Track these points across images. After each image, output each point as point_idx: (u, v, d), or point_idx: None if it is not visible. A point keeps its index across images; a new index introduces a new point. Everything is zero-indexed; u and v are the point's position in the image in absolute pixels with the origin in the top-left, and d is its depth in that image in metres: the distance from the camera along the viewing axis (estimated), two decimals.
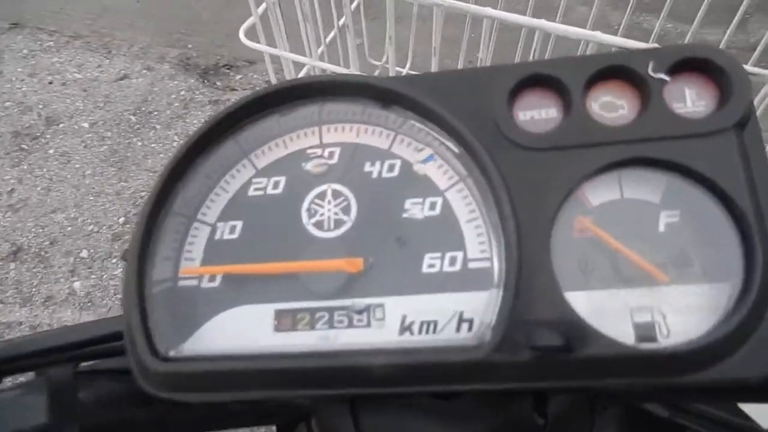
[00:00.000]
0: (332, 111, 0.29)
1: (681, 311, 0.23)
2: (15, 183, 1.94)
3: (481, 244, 0.25)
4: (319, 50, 0.86)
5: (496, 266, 0.25)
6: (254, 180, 0.28)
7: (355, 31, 0.89)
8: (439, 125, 0.26)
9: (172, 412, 0.32)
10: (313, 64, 0.76)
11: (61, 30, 2.41)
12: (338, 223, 0.27)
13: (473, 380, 0.22)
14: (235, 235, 0.27)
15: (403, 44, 1.02)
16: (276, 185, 0.28)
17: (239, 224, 0.28)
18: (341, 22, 0.92)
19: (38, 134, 2.06)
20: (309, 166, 0.28)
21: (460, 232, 0.26)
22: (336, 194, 0.27)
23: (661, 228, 0.24)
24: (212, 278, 0.27)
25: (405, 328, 0.25)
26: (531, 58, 0.76)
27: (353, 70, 0.74)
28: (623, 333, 0.22)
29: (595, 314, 0.23)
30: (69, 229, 1.82)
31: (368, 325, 0.25)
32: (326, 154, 0.28)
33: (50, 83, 2.22)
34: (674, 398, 0.29)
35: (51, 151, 2.01)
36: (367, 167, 0.28)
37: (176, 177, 0.27)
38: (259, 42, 0.73)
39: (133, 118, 2.10)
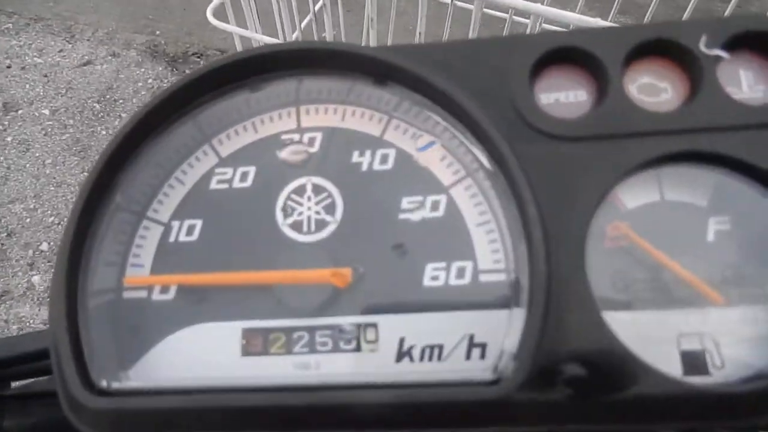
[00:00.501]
0: (313, 89, 0.24)
1: (737, 338, 0.19)
2: None
3: (494, 252, 0.21)
4: (294, 35, 0.80)
5: (515, 280, 0.20)
6: (217, 170, 0.23)
7: (330, 21, 0.83)
8: (444, 107, 0.22)
9: None
10: None
11: (21, 12, 2.29)
12: (320, 225, 0.22)
13: (489, 423, 0.18)
14: (193, 237, 0.22)
15: (383, 35, 0.97)
16: (244, 177, 0.23)
17: (198, 224, 0.23)
18: (317, 6, 0.87)
19: None
20: (284, 154, 0.23)
21: (469, 238, 0.21)
22: (317, 189, 0.23)
23: (710, 237, 0.20)
24: (165, 290, 0.22)
25: (403, 353, 0.20)
26: None
27: None
28: (667, 364, 0.18)
29: (638, 342, 0.18)
30: (28, 220, 1.72)
31: (358, 349, 0.20)
32: (305, 140, 0.24)
33: (8, 67, 2.10)
34: None
35: (9, 139, 1.90)
36: (355, 158, 0.23)
37: (119, 163, 0.22)
38: (228, 23, 0.67)
39: (97, 105, 2.00)
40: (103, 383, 0.19)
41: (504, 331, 0.19)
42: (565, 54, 0.21)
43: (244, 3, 0.65)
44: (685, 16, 0.77)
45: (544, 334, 0.18)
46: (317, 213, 0.22)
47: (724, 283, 0.19)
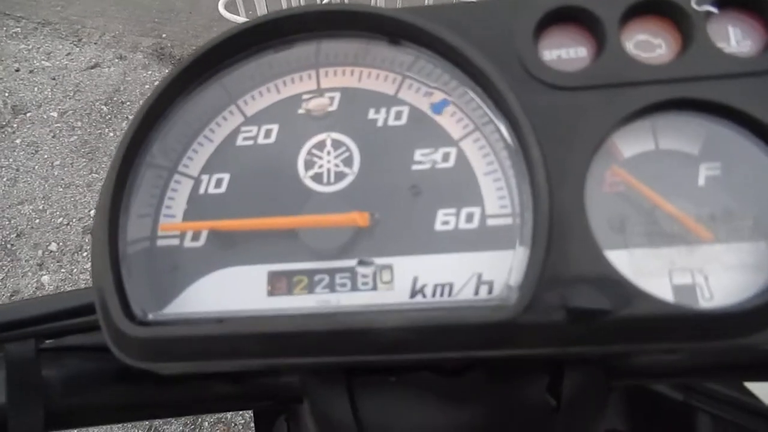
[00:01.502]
0: (331, 52, 0.26)
1: (725, 272, 0.20)
2: None
3: (500, 199, 0.22)
4: None
5: (520, 223, 0.22)
6: (243, 128, 0.25)
7: None
8: (455, 63, 0.23)
9: (149, 393, 0.28)
10: None
11: (29, 16, 2.32)
12: (339, 176, 0.24)
13: (498, 345, 0.20)
14: (221, 189, 0.24)
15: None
16: (268, 134, 0.25)
17: (226, 177, 0.24)
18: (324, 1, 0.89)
19: (4, 123, 1.98)
20: (305, 113, 0.25)
21: (477, 186, 0.23)
22: (336, 144, 0.24)
23: (701, 181, 0.22)
24: (196, 236, 0.24)
25: (417, 291, 0.22)
26: None
27: None
28: (662, 294, 0.20)
29: (634, 274, 0.20)
30: (37, 221, 1.75)
31: (374, 288, 0.22)
32: (325, 99, 0.25)
33: (17, 71, 2.13)
34: (714, 375, 0.27)
35: (18, 141, 1.93)
36: (371, 114, 0.25)
37: (152, 123, 0.24)
38: (238, 15, 0.69)
39: (104, 108, 2.03)
40: (144, 315, 0.21)
41: (509, 269, 0.21)
42: (567, 13, 0.23)
43: None
44: None
45: (546, 265, 0.19)
46: (336, 165, 0.24)
47: (713, 221, 0.21)
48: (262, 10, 0.70)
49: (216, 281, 0.23)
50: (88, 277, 1.64)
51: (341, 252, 0.23)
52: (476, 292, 0.21)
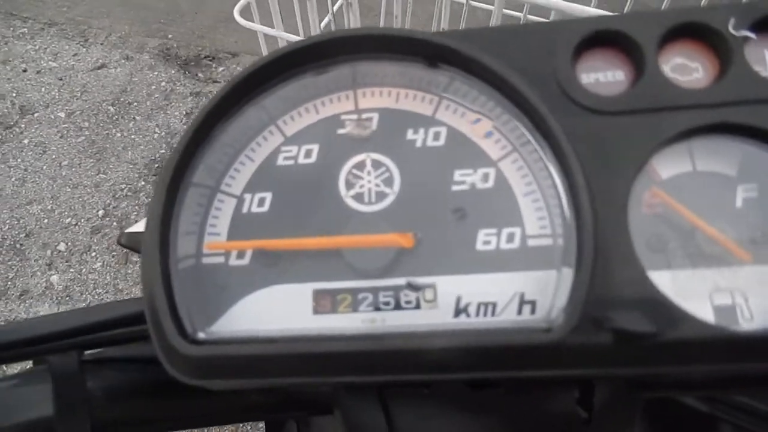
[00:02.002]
0: (368, 73, 0.26)
1: (765, 292, 0.21)
2: None
3: (540, 219, 0.23)
4: (314, 33, 0.83)
5: (560, 244, 0.22)
6: (283, 148, 0.26)
7: (339, 21, 0.86)
8: (494, 86, 0.24)
9: (189, 404, 0.29)
10: None
11: (36, 17, 2.33)
12: (380, 196, 0.24)
13: (543, 366, 0.20)
14: (264, 208, 0.25)
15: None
16: (308, 154, 0.25)
17: (268, 196, 0.25)
18: (335, 7, 0.89)
19: (12, 123, 1.98)
20: (344, 133, 0.26)
21: (517, 206, 0.23)
22: (376, 164, 0.25)
23: (739, 203, 0.22)
24: (241, 255, 0.24)
25: (460, 310, 0.22)
26: None
27: None
28: (703, 315, 0.20)
29: (676, 294, 0.20)
30: (46, 221, 1.76)
31: (418, 306, 0.23)
32: (364, 119, 0.26)
33: (24, 71, 2.14)
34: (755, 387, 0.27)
35: (26, 141, 1.94)
36: (410, 135, 0.25)
37: (196, 144, 0.24)
38: (253, 22, 0.70)
39: (111, 108, 2.04)
40: (195, 334, 0.22)
41: (553, 289, 0.22)
42: (605, 37, 0.23)
43: (272, 3, 0.67)
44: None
45: (592, 288, 0.20)
46: (377, 185, 0.24)
47: (752, 243, 0.21)
48: (277, 18, 0.71)
49: (262, 299, 0.23)
50: (97, 277, 1.65)
51: (385, 271, 0.23)
52: (519, 312, 0.22)
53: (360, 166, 0.25)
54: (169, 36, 2.27)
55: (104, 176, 1.86)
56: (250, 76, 0.25)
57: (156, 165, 1.89)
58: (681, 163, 0.23)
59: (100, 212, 1.79)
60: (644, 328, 0.19)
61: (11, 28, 2.28)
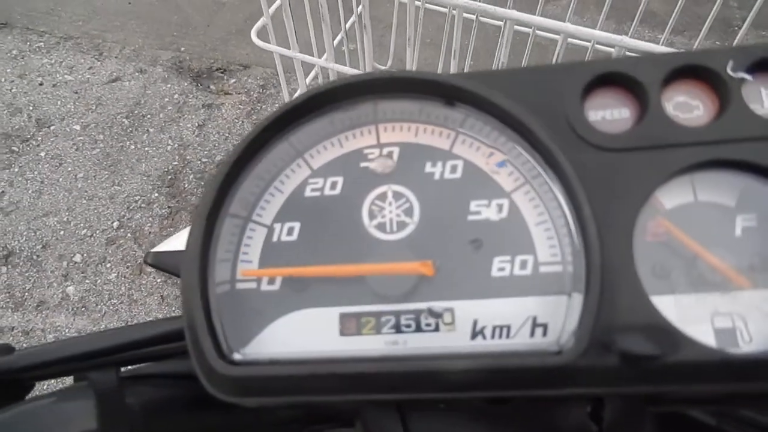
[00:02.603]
0: (388, 109, 0.28)
1: (763, 316, 0.22)
2: (5, 186, 1.90)
3: (551, 247, 0.25)
4: (324, 55, 0.85)
5: (570, 270, 0.24)
6: (310, 180, 0.28)
7: (351, 36, 0.88)
8: (507, 123, 0.26)
9: (221, 418, 0.31)
10: (329, 66, 0.75)
11: (52, 31, 2.38)
12: (401, 226, 0.26)
13: (556, 385, 0.22)
14: (293, 237, 0.27)
15: (401, 49, 1.01)
16: (333, 186, 0.27)
17: (297, 225, 0.27)
18: (347, 24, 0.91)
19: (29, 136, 2.03)
20: (367, 166, 0.28)
21: (529, 235, 0.25)
22: (397, 195, 0.27)
23: (738, 232, 0.24)
24: (272, 281, 0.26)
25: (477, 332, 0.24)
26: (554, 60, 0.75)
27: (368, 70, 0.74)
28: (703, 339, 0.22)
29: (678, 318, 0.22)
30: (62, 233, 1.79)
31: (437, 329, 0.24)
32: (384, 153, 0.28)
33: (40, 85, 2.18)
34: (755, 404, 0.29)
35: (42, 154, 1.98)
36: (428, 168, 0.27)
37: (232, 178, 0.26)
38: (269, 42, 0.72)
39: (125, 121, 2.07)
40: (231, 355, 0.24)
41: (563, 313, 0.23)
42: (611, 78, 0.25)
43: (287, 25, 0.69)
44: (706, 25, 0.80)
45: (599, 313, 0.22)
46: (398, 215, 0.26)
47: (751, 270, 0.23)
48: (292, 39, 0.73)
49: (292, 321, 0.25)
50: (112, 288, 1.67)
51: (406, 296, 0.25)
52: (532, 334, 0.23)
53: (382, 197, 0.27)
54: (182, 49, 2.31)
55: (119, 188, 1.90)
56: (280, 117, 0.27)
57: (169, 177, 1.92)
58: (683, 194, 0.24)
59: (115, 224, 1.82)
60: (648, 351, 0.20)
61: (28, 42, 2.33)
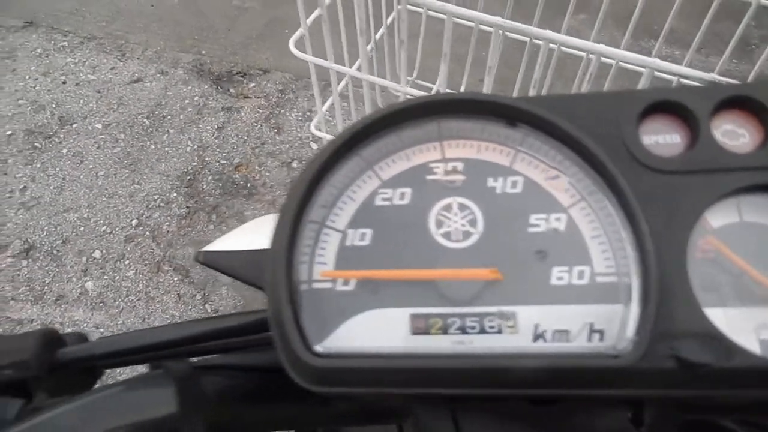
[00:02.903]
0: (453, 128, 0.30)
1: None
2: (28, 181, 1.94)
3: (606, 260, 0.27)
4: (356, 64, 0.88)
5: (625, 281, 0.26)
6: (380, 190, 0.30)
7: (382, 50, 0.90)
8: (568, 144, 0.28)
9: (285, 410, 0.33)
10: (361, 76, 0.78)
11: (76, 31, 2.42)
12: (466, 235, 0.28)
13: (612, 386, 0.24)
14: (365, 242, 0.29)
15: (432, 62, 1.03)
16: (402, 196, 0.30)
17: (369, 231, 0.29)
18: (377, 35, 0.94)
19: (51, 133, 2.06)
20: (433, 179, 0.30)
21: (586, 248, 0.27)
22: (462, 207, 0.29)
23: None
24: (347, 282, 0.28)
25: (538, 335, 0.26)
26: (586, 83, 0.78)
27: (402, 83, 0.76)
28: (751, 348, 0.24)
29: (728, 328, 0.24)
30: (82, 229, 1.82)
31: (500, 331, 0.27)
32: (449, 168, 0.30)
33: (64, 83, 2.23)
34: None
35: (64, 151, 2.02)
36: (490, 182, 0.29)
37: (311, 189, 0.29)
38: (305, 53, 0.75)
39: (146, 121, 2.11)
40: (314, 348, 0.26)
41: (619, 321, 0.25)
42: (665, 105, 0.27)
43: (326, 36, 0.72)
44: (728, 49, 0.82)
45: (657, 322, 0.24)
46: (463, 225, 0.29)
47: None
48: (329, 51, 0.76)
49: (364, 320, 0.27)
50: (130, 285, 1.70)
51: (471, 300, 0.27)
52: (589, 339, 0.26)
53: (447, 208, 0.29)
54: (203, 52, 2.35)
55: (138, 187, 1.93)
56: (353, 135, 0.30)
57: (188, 177, 1.95)
58: (730, 215, 0.27)
59: (134, 221, 1.85)
60: (703, 358, 0.23)
61: (52, 42, 2.37)
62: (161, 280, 1.71)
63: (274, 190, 1.94)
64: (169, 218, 1.85)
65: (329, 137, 0.90)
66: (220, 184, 1.93)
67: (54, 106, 2.15)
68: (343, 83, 0.88)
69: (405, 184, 0.30)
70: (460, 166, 0.30)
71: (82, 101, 2.17)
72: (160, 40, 2.39)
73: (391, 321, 0.27)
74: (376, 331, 0.27)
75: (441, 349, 0.26)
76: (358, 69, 0.83)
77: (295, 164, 2.00)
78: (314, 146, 2.03)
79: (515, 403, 0.33)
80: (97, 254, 1.77)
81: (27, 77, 2.24)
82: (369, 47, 0.93)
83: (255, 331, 0.34)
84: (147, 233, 1.82)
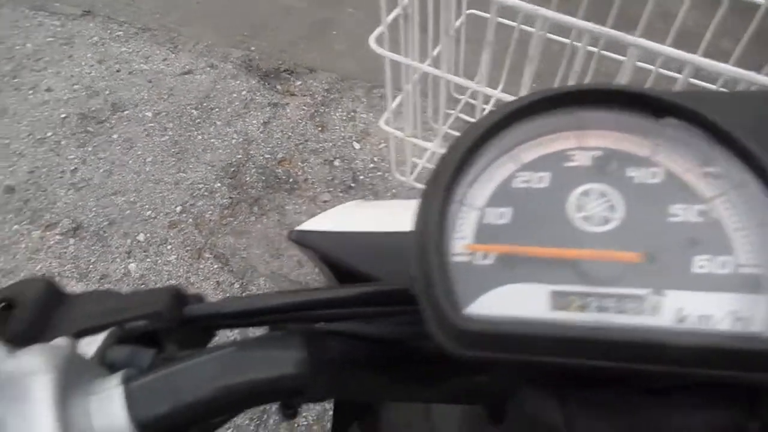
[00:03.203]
0: (593, 117, 0.32)
1: None
2: (79, 163, 1.99)
3: (749, 252, 0.28)
4: (428, 61, 0.89)
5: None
6: (518, 173, 0.31)
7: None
8: (714, 137, 0.29)
9: (399, 382, 0.34)
10: (436, 73, 0.80)
11: (131, 21, 2.49)
12: (605, 220, 0.29)
13: (755, 369, 0.25)
14: (505, 221, 0.30)
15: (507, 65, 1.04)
16: (540, 180, 0.31)
17: (508, 210, 0.30)
18: (454, 27, 0.95)
19: (104, 119, 2.12)
20: (572, 165, 0.31)
21: (729, 239, 0.28)
22: (600, 193, 0.30)
23: None
24: (486, 256, 0.29)
25: (680, 319, 0.27)
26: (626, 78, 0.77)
27: (481, 82, 0.78)
28: None
29: None
30: (128, 212, 1.87)
31: (641, 313, 0.27)
32: (588, 156, 0.31)
33: (118, 71, 2.29)
34: None
35: (115, 136, 2.07)
36: (629, 172, 0.30)
37: (457, 171, 0.30)
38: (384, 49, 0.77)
39: (194, 112, 2.16)
40: (464, 311, 0.27)
41: (764, 310, 0.26)
42: None
43: (409, 33, 0.74)
44: None
45: None
46: (602, 211, 0.30)
47: None
48: (408, 47, 0.77)
49: (505, 293, 0.28)
50: (171, 269, 1.74)
51: (612, 281, 0.28)
52: (733, 326, 0.26)
53: (586, 193, 0.30)
54: (252, 48, 2.40)
55: (184, 175, 1.97)
56: (494, 123, 0.31)
57: (232, 169, 1.99)
58: None
59: (178, 208, 1.89)
60: None
61: (108, 31, 2.44)
62: (201, 266, 1.75)
63: (315, 186, 1.96)
64: (212, 207, 1.89)
65: (397, 133, 0.91)
66: (263, 178, 1.97)
67: (107, 92, 2.21)
68: (416, 78, 0.89)
69: (543, 169, 0.31)
70: (598, 154, 0.31)
71: (134, 89, 2.23)
72: (212, 35, 2.45)
73: (530, 296, 0.28)
74: (516, 304, 0.28)
75: (585, 323, 0.27)
76: (435, 66, 0.84)
77: (337, 162, 2.02)
78: (357, 146, 2.06)
79: (626, 392, 0.33)
80: (141, 237, 1.81)
81: (83, 63, 2.31)
82: (436, 50, 0.95)
83: (376, 304, 0.35)
84: (190, 220, 1.86)
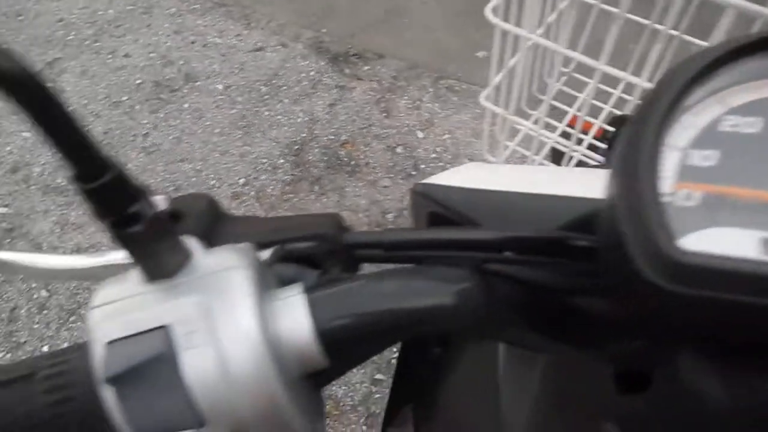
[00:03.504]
0: None
1: None
2: (150, 128, 2.05)
3: None
4: (539, 31, 0.86)
5: None
6: (725, 117, 0.30)
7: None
8: None
9: (548, 333, 0.34)
10: (563, 52, 0.78)
11: None
12: None
13: None
14: (711, 163, 0.28)
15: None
16: (751, 125, 0.29)
17: (715, 153, 0.29)
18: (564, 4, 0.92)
19: (176, 88, 2.17)
20: None
21: None
22: None
23: None
24: (689, 197, 0.28)
25: None
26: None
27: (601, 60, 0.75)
28: None
29: None
30: (193, 179, 1.91)
31: None
32: None
33: (192, 43, 2.34)
34: None
35: (186, 106, 2.12)
36: None
37: (667, 113, 0.29)
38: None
39: (263, 88, 2.19)
40: (679, 244, 0.26)
41: None
42: None
43: (525, 3, 0.73)
44: None
45: None
46: None
47: None
48: (526, 19, 0.76)
49: (710, 235, 0.27)
50: None
51: None
52: None
53: None
54: (323, 30, 2.41)
55: (249, 148, 2.00)
56: (708, 62, 0.29)
57: (296, 146, 2.01)
58: None
59: (241, 180, 1.92)
60: None
61: (186, 3, 2.50)
62: None
63: (376, 171, 1.96)
64: (274, 182, 1.91)
65: (498, 109, 0.90)
66: (326, 158, 1.98)
67: (181, 63, 2.26)
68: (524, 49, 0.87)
69: (753, 113, 0.29)
70: None
71: (207, 62, 2.27)
72: (285, 15, 2.48)
73: (738, 241, 0.27)
74: (724, 246, 0.27)
75: None
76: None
77: (399, 149, 2.02)
78: (420, 135, 2.05)
79: None
80: None
81: (160, 33, 2.37)
82: (541, 29, 0.93)
83: (536, 252, 0.34)
84: (252, 193, 1.89)
